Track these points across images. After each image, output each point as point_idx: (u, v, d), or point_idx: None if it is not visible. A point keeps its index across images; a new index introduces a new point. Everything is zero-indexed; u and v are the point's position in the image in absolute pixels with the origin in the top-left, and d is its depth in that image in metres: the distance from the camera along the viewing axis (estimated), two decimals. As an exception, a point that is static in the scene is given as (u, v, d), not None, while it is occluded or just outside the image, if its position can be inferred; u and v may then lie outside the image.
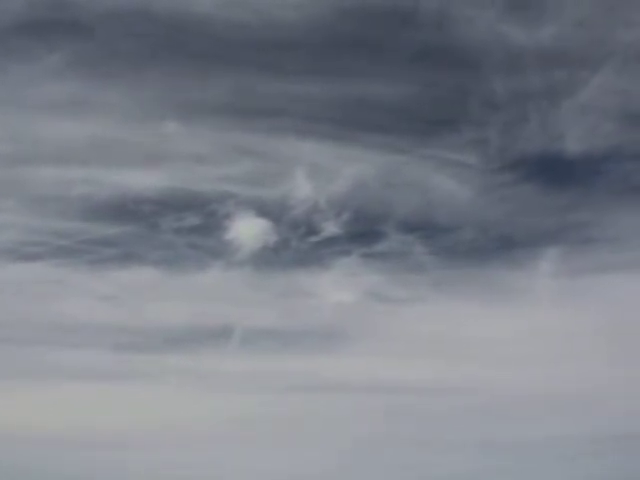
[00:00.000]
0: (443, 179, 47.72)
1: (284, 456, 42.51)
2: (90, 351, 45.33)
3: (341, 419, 43.57)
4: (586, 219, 46.62)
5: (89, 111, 46.75)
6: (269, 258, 47.06)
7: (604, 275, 45.27)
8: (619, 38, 44.87)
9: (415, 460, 41.79)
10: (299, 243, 47.08)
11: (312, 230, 47.01)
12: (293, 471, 41.76)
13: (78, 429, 42.97)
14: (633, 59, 45.03)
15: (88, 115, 46.81)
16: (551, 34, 44.82)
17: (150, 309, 46.50)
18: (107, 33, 45.93)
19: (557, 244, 46.26)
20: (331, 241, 46.98)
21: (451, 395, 43.44)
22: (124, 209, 47.23)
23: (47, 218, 47.30)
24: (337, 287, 46.72)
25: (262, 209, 46.79)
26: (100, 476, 41.74)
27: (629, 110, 46.08)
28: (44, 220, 47.30)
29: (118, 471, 41.90)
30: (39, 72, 46.14)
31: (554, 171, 47.01)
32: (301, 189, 46.82)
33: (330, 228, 46.88)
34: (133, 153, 47.32)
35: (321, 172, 47.10)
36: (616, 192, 46.66)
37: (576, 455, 41.06)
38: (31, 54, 46.23)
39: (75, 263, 47.03)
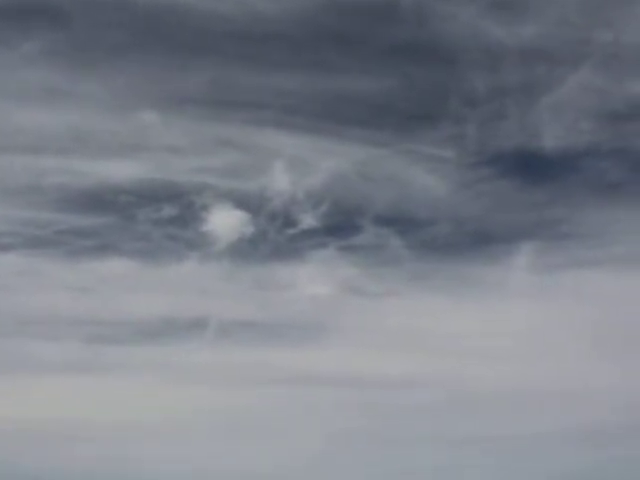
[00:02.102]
0: (421, 173, 48.03)
1: (259, 449, 42.67)
2: (64, 343, 45.07)
3: (316, 412, 43.79)
4: (562, 215, 47.23)
5: (65, 100, 46.29)
6: (246, 250, 47.07)
7: (579, 270, 45.90)
8: (598, 37, 45.49)
9: (391, 453, 42.12)
10: (276, 235, 47.13)
11: (289, 222, 47.12)
12: (268, 464, 41.92)
13: (52, 422, 42.70)
14: (611, 58, 45.66)
15: (64, 104, 46.34)
16: (531, 32, 45.28)
17: (126, 301, 46.30)
18: (85, 21, 45.49)
19: (533, 239, 46.83)
20: (308, 234, 47.14)
21: (426, 389, 43.80)
22: (100, 199, 46.96)
23: (21, 208, 46.82)
24: (314, 280, 46.86)
25: (240, 201, 46.77)
26: (72, 468, 41.52)
27: (606, 108, 46.75)
28: (18, 210, 46.79)
29: (90, 464, 41.74)
30: (14, 59, 45.55)
31: (531, 167, 47.54)
32: (279, 181, 46.85)
33: (307, 221, 46.99)
34: (110, 143, 46.94)
35: (299, 165, 47.16)
36: (592, 189, 47.39)
37: (551, 451, 41.66)
38: (5, 41, 45.62)
39: (50, 254, 46.65)
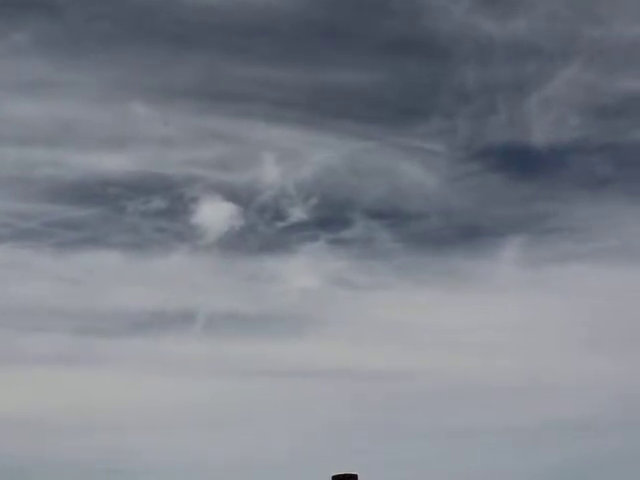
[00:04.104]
0: (411, 167, 48.18)
1: (249, 440, 42.65)
2: (53, 335, 44.88)
3: (304, 404, 43.77)
4: (550, 209, 47.61)
5: (55, 91, 46.10)
6: (235, 243, 47.01)
7: (567, 264, 46.32)
8: (587, 33, 45.90)
9: (377, 445, 42.21)
10: (266, 228, 47.11)
11: (279, 215, 47.07)
12: (258, 455, 41.92)
13: (40, 414, 42.46)
14: (600, 54, 46.09)
15: (54, 95, 46.15)
16: (522, 27, 45.61)
17: (115, 293, 46.20)
18: (76, 12, 45.23)
19: (522, 233, 47.13)
20: (298, 226, 47.11)
21: (414, 381, 43.90)
22: (89, 191, 46.73)
23: (10, 199, 46.63)
24: (303, 272, 46.92)
25: (229, 193, 46.67)
26: (60, 459, 41.31)
27: (595, 104, 47.19)
28: (7, 202, 46.64)
29: (78, 454, 41.51)
30: (3, 50, 45.25)
31: (520, 162, 47.85)
32: (269, 174, 46.81)
33: (297, 213, 46.97)
34: (100, 135, 46.77)
35: (290, 157, 47.17)
36: (580, 183, 47.80)
37: (535, 444, 41.94)
38: (-5, 31, 45.20)
39: (39, 246, 46.41)
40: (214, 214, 46.55)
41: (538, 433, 42.02)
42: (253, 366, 44.10)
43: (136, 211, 46.44)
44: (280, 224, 46.98)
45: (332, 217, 47.54)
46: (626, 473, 37.75)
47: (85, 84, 45.96)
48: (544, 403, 43.07)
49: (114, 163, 46.69)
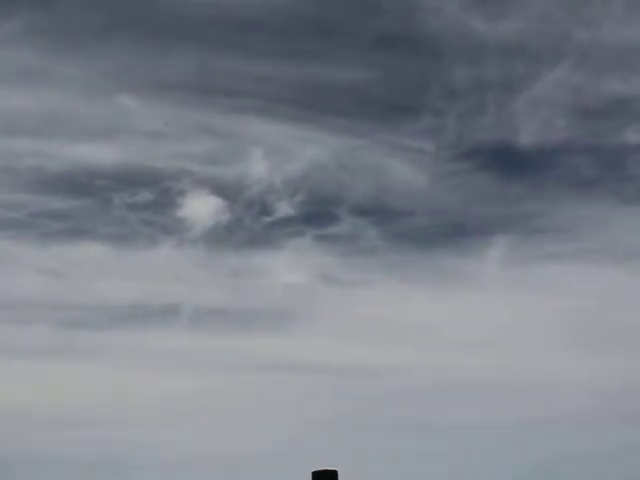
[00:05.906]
0: (399, 164, 48.31)
1: (231, 435, 42.62)
2: (36, 327, 44.59)
3: (289, 399, 43.81)
4: (537, 209, 47.87)
5: (44, 82, 45.85)
6: (222, 237, 47.01)
7: (553, 264, 46.59)
8: (577, 35, 46.17)
9: (359, 441, 42.30)
10: (253, 223, 47.11)
11: (266, 210, 47.08)
12: (239, 449, 41.89)
13: (22, 407, 42.27)
14: (589, 56, 46.37)
15: (43, 86, 45.92)
16: (512, 27, 45.81)
17: (100, 285, 45.99)
18: (67, 2, 45.05)
19: (508, 232, 47.38)
20: (285, 222, 47.14)
21: (398, 378, 44.07)
22: (76, 183, 46.55)
23: (-5, 189, 46.32)
24: (289, 268, 46.96)
25: (217, 187, 46.64)
26: (42, 453, 41.15)
27: (582, 105, 47.47)
28: (-9, 191, 46.30)
29: (62, 449, 41.39)
30: (-7, 38, 44.93)
31: (508, 161, 48.10)
32: (257, 169, 46.80)
33: (284, 209, 46.99)
34: (87, 126, 46.55)
35: (278, 153, 47.18)
36: (567, 184, 48.11)
37: (518, 442, 42.10)
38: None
39: (23, 236, 46.16)
40: (201, 208, 46.60)
41: (521, 431, 42.25)
42: (237, 361, 44.18)
43: (123, 203, 46.38)
44: (267, 219, 47.09)
45: (319, 213, 47.72)
46: (617, 470, 38.14)
47: (75, 75, 45.86)
48: (528, 401, 43.37)
49: (102, 155, 46.61)
